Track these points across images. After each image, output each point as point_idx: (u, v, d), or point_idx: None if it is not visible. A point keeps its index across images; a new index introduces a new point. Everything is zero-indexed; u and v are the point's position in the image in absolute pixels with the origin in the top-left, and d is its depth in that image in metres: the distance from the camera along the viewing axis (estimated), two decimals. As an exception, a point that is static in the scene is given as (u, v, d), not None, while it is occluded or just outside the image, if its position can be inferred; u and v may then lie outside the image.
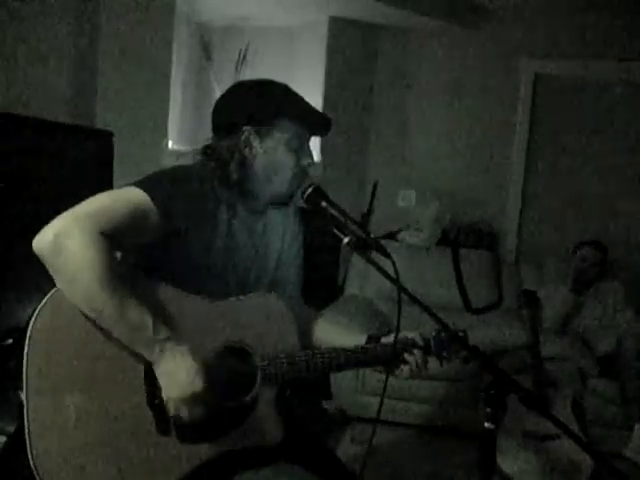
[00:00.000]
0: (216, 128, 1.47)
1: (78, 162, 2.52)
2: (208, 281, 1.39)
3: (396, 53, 4.28)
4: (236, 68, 3.87)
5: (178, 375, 1.23)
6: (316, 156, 3.94)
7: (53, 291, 1.21)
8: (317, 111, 1.51)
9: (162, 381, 1.24)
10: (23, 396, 1.16)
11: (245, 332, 1.37)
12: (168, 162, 3.17)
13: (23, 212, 2.17)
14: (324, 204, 1.40)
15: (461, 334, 1.50)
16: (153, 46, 3.19)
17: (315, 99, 3.95)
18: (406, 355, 1.49)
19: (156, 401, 1.26)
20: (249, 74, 3.88)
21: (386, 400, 3.23)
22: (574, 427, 2.73)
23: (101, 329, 1.23)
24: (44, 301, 1.20)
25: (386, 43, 4.27)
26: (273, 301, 1.44)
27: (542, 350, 3.06)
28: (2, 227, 2.09)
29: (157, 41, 3.21)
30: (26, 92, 2.73)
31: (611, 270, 3.68)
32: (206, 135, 1.52)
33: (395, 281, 1.33)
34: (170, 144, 3.35)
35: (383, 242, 1.41)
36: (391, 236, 3.99)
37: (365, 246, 1.38)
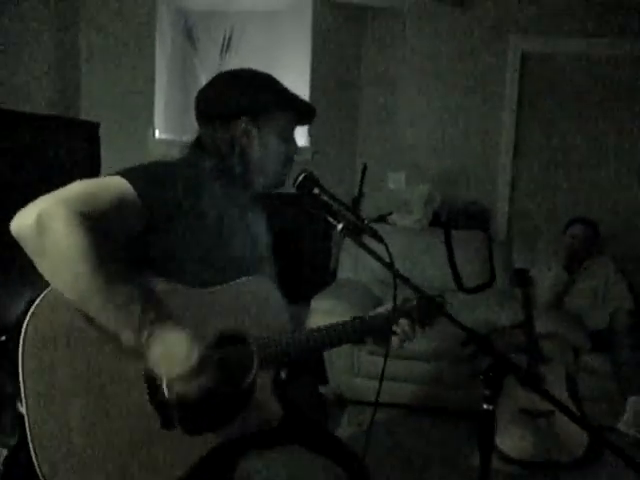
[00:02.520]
0: (207, 119, 1.45)
1: (65, 154, 2.50)
2: (199, 270, 1.37)
3: (382, 34, 4.24)
4: (221, 53, 3.83)
5: (173, 352, 1.18)
6: (304, 141, 3.92)
7: (42, 295, 1.16)
8: (304, 100, 1.55)
9: (158, 364, 1.18)
10: (22, 409, 1.12)
11: (238, 318, 1.36)
12: (155, 151, 3.14)
13: (9, 205, 2.15)
14: (316, 191, 1.39)
15: (439, 299, 1.55)
16: (135, 34, 3.15)
17: (302, 83, 3.92)
18: (394, 326, 1.54)
19: (158, 396, 1.24)
20: (234, 59, 3.85)
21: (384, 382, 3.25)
22: (568, 403, 2.76)
23: (94, 327, 1.19)
24: (34, 306, 1.14)
25: (372, 24, 4.23)
26: (263, 284, 1.44)
27: (535, 328, 3.09)
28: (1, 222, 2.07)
29: (139, 28, 3.17)
30: (8, 86, 2.69)
31: (602, 246, 3.70)
32: (193, 123, 1.50)
33: (389, 266, 1.33)
34: (157, 133, 3.31)
35: (374, 225, 1.42)
36: (382, 219, 3.98)
37: (358, 232, 1.38)
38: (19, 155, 2.22)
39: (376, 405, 1.50)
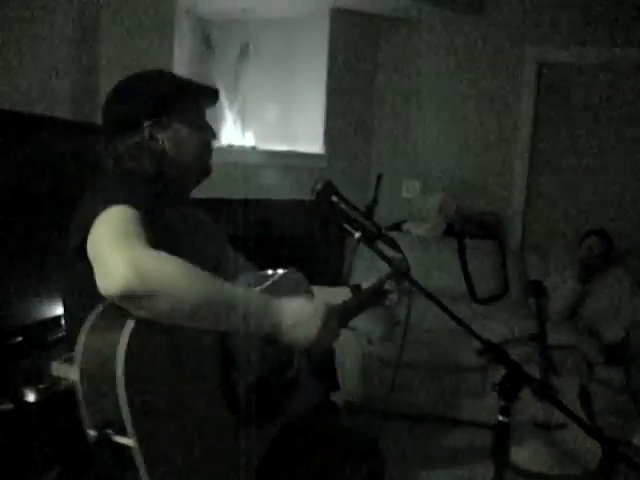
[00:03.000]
0: (114, 127, 1.44)
1: (82, 158, 2.52)
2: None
3: (399, 43, 4.26)
4: (238, 61, 3.86)
5: (304, 316, 1.25)
6: (320, 148, 3.94)
7: (128, 335, 1.08)
8: (202, 84, 1.55)
9: (299, 335, 1.25)
10: (127, 440, 1.06)
11: None
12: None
13: (36, 209, 2.18)
14: (335, 199, 1.40)
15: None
16: (154, 41, 3.16)
17: (318, 90, 3.94)
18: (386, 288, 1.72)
19: (235, 402, 1.28)
20: (251, 67, 3.87)
21: (394, 392, 3.23)
22: (581, 416, 2.74)
23: (177, 349, 1.16)
24: (127, 337, 1.07)
25: (388, 33, 4.25)
26: (296, 276, 1.55)
27: (549, 339, 3.07)
28: (8, 224, 2.09)
29: (158, 36, 3.18)
30: (28, 90, 2.73)
31: (617, 259, 3.67)
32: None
33: (406, 275, 1.34)
34: (173, 138, 3.34)
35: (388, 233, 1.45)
36: (396, 227, 3.98)
37: (375, 240, 1.39)
38: (36, 159, 2.25)
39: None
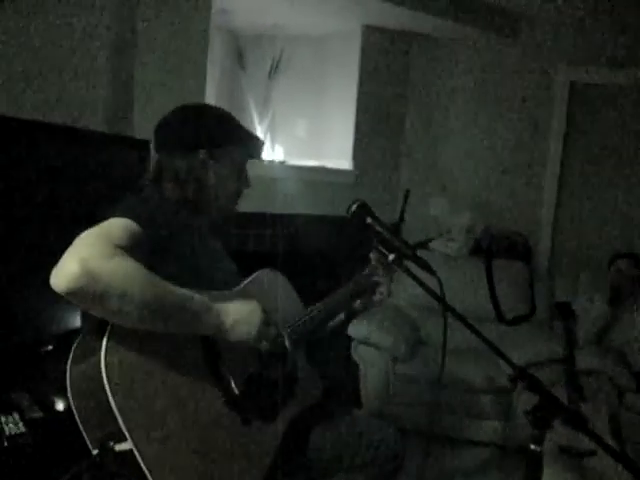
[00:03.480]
0: (168, 149, 1.55)
1: (115, 171, 2.55)
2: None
3: (429, 60, 4.26)
4: (269, 76, 3.89)
5: (243, 313, 1.34)
6: (348, 164, 3.95)
7: (105, 341, 1.18)
8: (255, 136, 1.67)
9: (238, 333, 1.32)
10: (126, 445, 1.15)
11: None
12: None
13: (63, 218, 2.21)
14: (370, 220, 1.41)
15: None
16: (188, 55, 3.21)
17: (348, 107, 3.96)
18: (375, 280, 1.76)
19: (231, 396, 1.35)
20: (282, 82, 3.91)
21: (418, 410, 3.21)
22: (611, 444, 2.68)
23: (160, 352, 1.24)
24: (102, 353, 1.16)
25: (419, 50, 4.26)
26: (273, 275, 1.63)
27: (577, 364, 3.02)
28: (43, 234, 2.13)
29: (193, 49, 3.23)
30: (65, 102, 2.78)
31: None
32: None
33: (440, 299, 1.33)
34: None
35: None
36: (423, 245, 3.96)
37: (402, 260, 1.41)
38: (71, 171, 2.28)
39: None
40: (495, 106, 4.18)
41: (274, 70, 3.87)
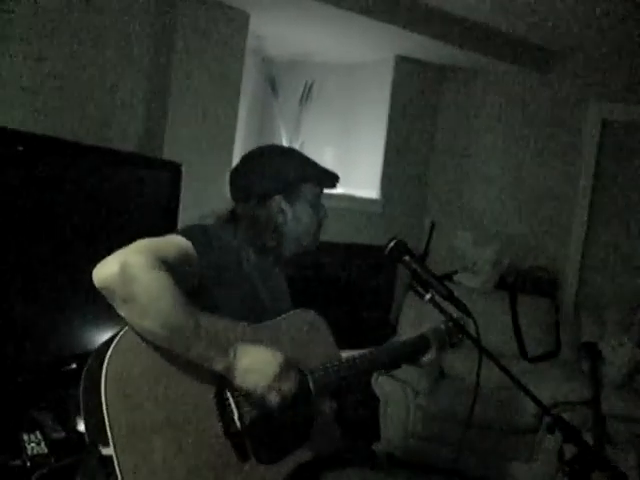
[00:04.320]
0: (244, 197, 1.56)
1: (146, 192, 2.57)
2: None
3: (460, 93, 4.26)
4: (300, 102, 3.92)
5: (259, 362, 1.28)
6: (376, 194, 3.94)
7: (115, 341, 1.21)
8: (328, 170, 1.65)
9: (248, 379, 1.27)
10: (109, 450, 1.15)
11: (291, 349, 1.43)
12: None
13: (92, 239, 2.22)
14: (407, 258, 1.39)
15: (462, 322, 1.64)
16: (223, 79, 3.25)
17: (377, 136, 3.97)
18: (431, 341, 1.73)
19: (231, 429, 1.30)
20: (312, 109, 3.93)
21: (438, 446, 3.16)
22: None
23: (170, 368, 1.25)
24: (109, 354, 1.19)
25: (450, 82, 4.27)
26: (310, 316, 1.55)
27: (603, 406, 2.95)
28: (70, 253, 2.14)
29: (227, 74, 3.27)
30: (100, 124, 2.82)
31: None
32: None
33: (476, 341, 1.31)
34: (233, 176, 3.39)
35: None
36: (447, 277, 3.93)
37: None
38: (102, 191, 2.30)
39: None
40: (524, 140, 4.16)
41: (305, 97, 3.90)
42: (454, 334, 1.79)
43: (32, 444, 1.79)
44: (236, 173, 1.60)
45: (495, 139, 4.23)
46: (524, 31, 3.70)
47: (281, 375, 1.30)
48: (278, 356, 1.31)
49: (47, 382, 2.13)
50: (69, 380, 2.19)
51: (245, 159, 1.61)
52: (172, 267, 1.26)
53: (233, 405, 1.32)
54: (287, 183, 1.54)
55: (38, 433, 1.85)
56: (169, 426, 1.22)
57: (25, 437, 1.81)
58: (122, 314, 1.21)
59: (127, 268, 1.18)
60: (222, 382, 1.31)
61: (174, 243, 1.33)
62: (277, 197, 1.53)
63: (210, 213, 1.58)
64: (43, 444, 1.81)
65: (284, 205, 1.53)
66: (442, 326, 1.79)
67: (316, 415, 1.47)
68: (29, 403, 1.98)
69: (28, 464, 1.73)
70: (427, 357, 1.73)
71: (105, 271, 1.18)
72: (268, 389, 1.28)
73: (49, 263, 2.05)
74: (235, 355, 1.27)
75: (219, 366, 1.26)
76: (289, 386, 1.31)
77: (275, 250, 1.55)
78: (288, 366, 1.32)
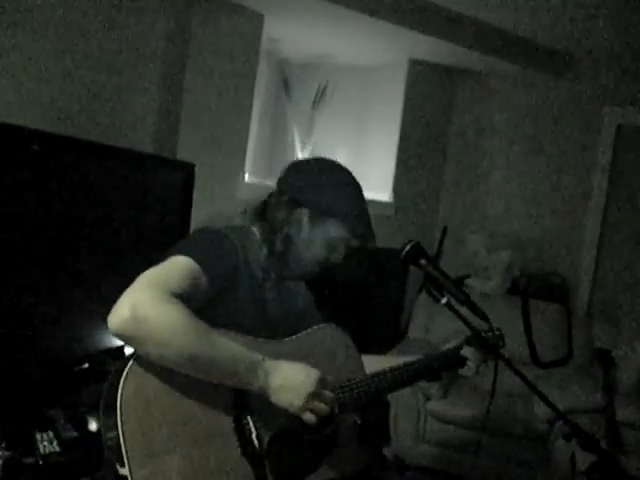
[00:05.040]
0: (285, 187, 1.52)
1: (160, 192, 2.58)
2: (251, 333, 1.39)
3: (474, 97, 4.25)
4: (313, 104, 3.91)
5: (294, 380, 1.27)
6: (388, 196, 3.93)
7: (130, 362, 1.21)
8: (364, 224, 1.55)
9: (283, 398, 1.26)
10: (125, 470, 1.15)
11: (314, 365, 1.38)
12: (243, 195, 3.21)
13: (103, 240, 2.23)
14: (423, 262, 1.38)
15: (497, 332, 1.75)
16: (237, 80, 3.25)
17: (390, 139, 3.96)
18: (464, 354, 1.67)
19: (249, 449, 1.28)
20: (326, 111, 3.93)
21: (448, 451, 3.14)
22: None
23: (187, 387, 1.24)
24: (125, 373, 1.19)
25: (464, 87, 4.25)
26: (334, 332, 1.52)
27: (617, 414, 2.92)
28: (84, 253, 2.14)
29: (241, 75, 3.27)
30: (115, 123, 2.83)
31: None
32: (279, 168, 1.58)
33: (492, 346, 1.30)
34: (247, 177, 3.39)
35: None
36: (459, 282, 3.91)
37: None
38: (114, 191, 2.30)
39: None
40: (538, 145, 4.14)
41: (319, 99, 3.89)
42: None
43: (45, 443, 1.80)
44: (298, 166, 1.56)
45: (509, 143, 4.20)
46: (538, 34, 3.68)
47: (317, 392, 1.28)
48: (312, 373, 1.29)
49: (60, 381, 2.14)
50: (82, 379, 2.21)
51: (316, 162, 1.57)
52: (181, 296, 1.24)
53: (251, 424, 1.30)
54: (320, 205, 1.47)
55: (50, 432, 1.85)
56: (185, 446, 1.21)
57: (38, 436, 1.82)
58: (142, 353, 1.20)
59: (138, 309, 1.16)
60: (239, 401, 1.30)
61: (180, 270, 1.28)
62: (306, 210, 1.47)
63: (236, 212, 1.55)
64: (55, 443, 1.81)
65: (305, 220, 1.48)
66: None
67: (339, 432, 1.42)
68: (42, 402, 1.99)
69: (40, 462, 1.73)
70: (465, 369, 1.68)
71: (117, 319, 1.16)
72: (304, 407, 1.27)
73: (63, 263, 2.06)
74: (266, 374, 1.25)
75: (253, 387, 1.25)
76: (323, 405, 1.30)
77: (279, 260, 1.49)
78: (324, 384, 1.30)
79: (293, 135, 3.89)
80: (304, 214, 1.47)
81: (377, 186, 3.93)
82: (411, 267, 1.45)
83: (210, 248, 1.36)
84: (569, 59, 4.02)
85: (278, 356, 1.35)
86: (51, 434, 1.84)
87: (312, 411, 1.28)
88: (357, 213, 1.51)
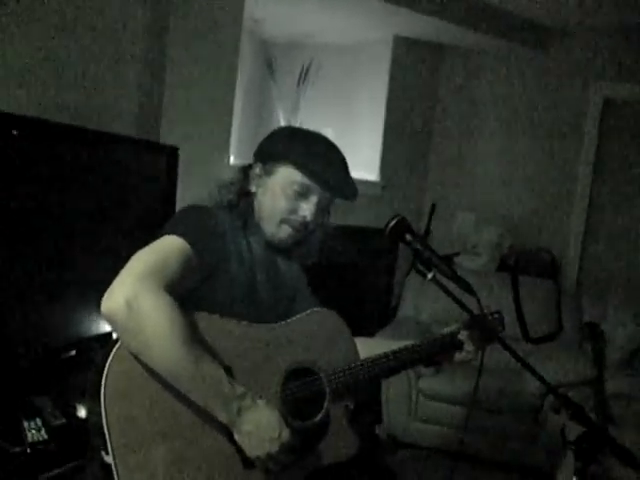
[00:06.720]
0: (252, 156, 1.53)
1: (143, 176, 2.54)
2: (238, 314, 1.37)
3: (460, 73, 4.22)
4: (298, 84, 3.87)
5: (262, 432, 1.21)
6: (375, 175, 3.91)
7: (116, 348, 1.18)
8: (331, 175, 1.46)
9: (246, 442, 1.22)
10: (109, 458, 1.13)
11: (306, 351, 1.39)
12: (228, 176, 3.17)
13: (90, 224, 2.20)
14: (409, 237, 1.36)
15: (496, 315, 1.73)
16: (219, 62, 3.20)
17: (377, 117, 3.92)
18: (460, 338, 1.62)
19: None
20: (310, 90, 3.88)
21: (440, 428, 3.16)
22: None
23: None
24: (110, 357, 1.17)
25: (450, 63, 4.22)
26: (328, 316, 1.48)
27: (606, 386, 2.94)
28: (69, 239, 2.11)
29: (223, 57, 3.22)
30: (96, 107, 2.78)
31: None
32: None
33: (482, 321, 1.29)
34: (231, 159, 3.35)
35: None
36: (448, 259, 3.91)
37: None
38: (98, 175, 2.27)
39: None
40: (525, 121, 4.12)
41: (303, 79, 3.85)
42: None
43: (32, 431, 1.78)
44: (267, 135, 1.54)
45: (496, 119, 4.19)
46: (524, 9, 3.65)
47: (276, 455, 1.23)
48: (285, 434, 1.23)
49: (47, 368, 2.11)
50: (69, 366, 2.19)
51: (284, 127, 1.60)
52: (175, 286, 1.22)
53: None
54: (267, 152, 1.46)
55: (38, 420, 1.83)
56: (171, 435, 1.19)
57: (25, 424, 1.80)
58: (124, 342, 1.18)
59: (132, 300, 1.14)
60: None
61: (174, 253, 1.26)
62: (259, 163, 1.47)
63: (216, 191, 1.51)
64: (43, 431, 1.80)
65: (258, 173, 1.46)
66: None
67: (330, 419, 1.39)
68: (29, 390, 1.97)
69: (28, 451, 1.71)
70: (462, 354, 1.63)
71: (112, 304, 1.15)
72: (267, 458, 1.22)
73: (48, 249, 2.03)
74: (238, 412, 1.20)
75: (220, 417, 1.20)
76: (288, 460, 1.25)
77: (249, 225, 1.44)
78: (291, 443, 1.24)
79: (278, 116, 3.85)
80: (257, 167, 1.47)
81: (364, 165, 3.91)
82: (400, 247, 1.43)
83: (202, 228, 1.34)
84: (555, 34, 3.99)
85: (268, 343, 1.34)
86: (39, 422, 1.83)
87: (273, 464, 1.24)
88: (315, 156, 1.42)
